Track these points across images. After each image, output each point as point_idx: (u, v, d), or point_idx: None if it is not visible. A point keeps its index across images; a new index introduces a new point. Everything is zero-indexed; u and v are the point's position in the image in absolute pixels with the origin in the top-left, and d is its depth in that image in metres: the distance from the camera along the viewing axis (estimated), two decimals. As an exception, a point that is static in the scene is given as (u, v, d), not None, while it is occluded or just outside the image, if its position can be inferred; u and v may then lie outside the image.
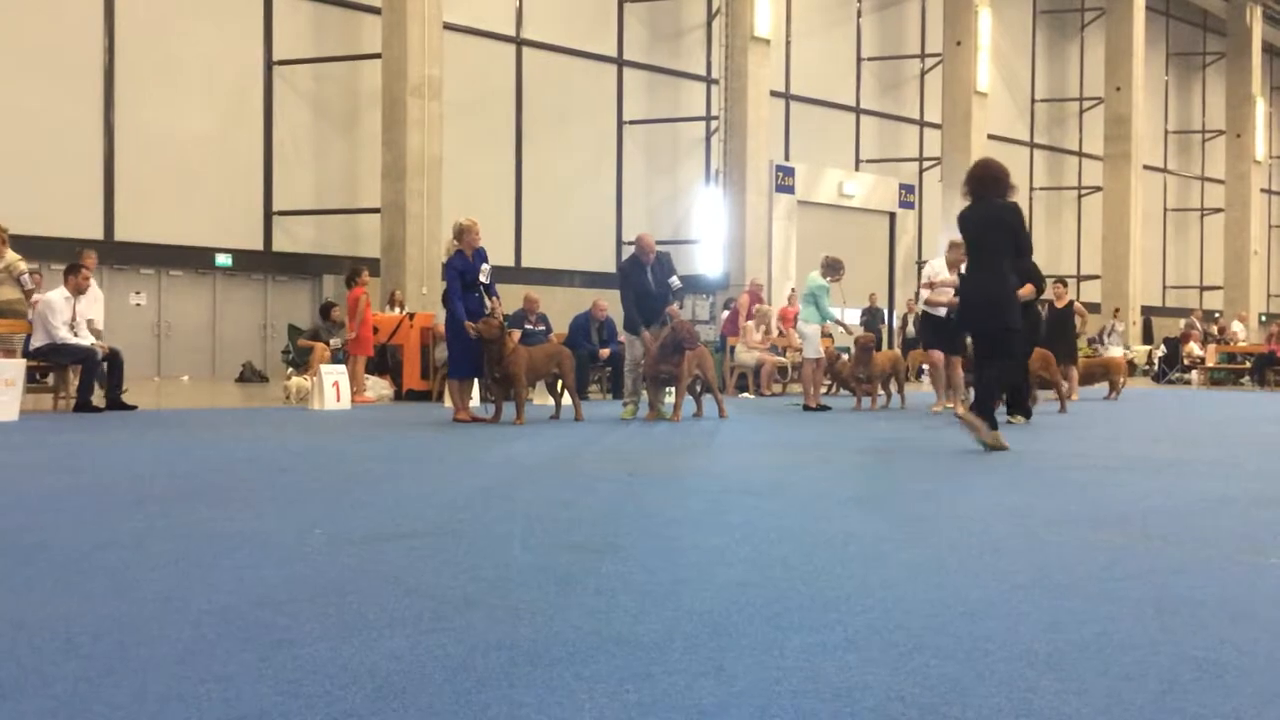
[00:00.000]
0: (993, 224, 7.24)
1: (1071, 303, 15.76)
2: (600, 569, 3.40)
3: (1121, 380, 15.99)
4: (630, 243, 24.82)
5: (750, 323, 16.75)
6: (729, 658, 2.41)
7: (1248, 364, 21.61)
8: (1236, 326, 27.02)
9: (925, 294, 11.43)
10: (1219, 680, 2.27)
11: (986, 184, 7.33)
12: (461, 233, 9.76)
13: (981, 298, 7.30)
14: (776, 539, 3.96)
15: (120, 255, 19.07)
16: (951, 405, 11.32)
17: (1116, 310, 27.65)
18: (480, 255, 9.80)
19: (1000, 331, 7.34)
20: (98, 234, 18.76)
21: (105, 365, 11.01)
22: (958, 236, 12.15)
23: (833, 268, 12.77)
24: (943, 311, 11.36)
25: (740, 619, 2.76)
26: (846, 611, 2.84)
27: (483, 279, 9.72)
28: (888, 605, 2.92)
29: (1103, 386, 16.15)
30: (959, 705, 2.11)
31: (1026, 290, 9.65)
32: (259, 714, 2.04)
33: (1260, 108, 37.74)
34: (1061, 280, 16.93)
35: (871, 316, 23.53)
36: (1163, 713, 2.08)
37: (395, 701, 2.12)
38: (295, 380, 12.67)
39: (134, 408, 10.90)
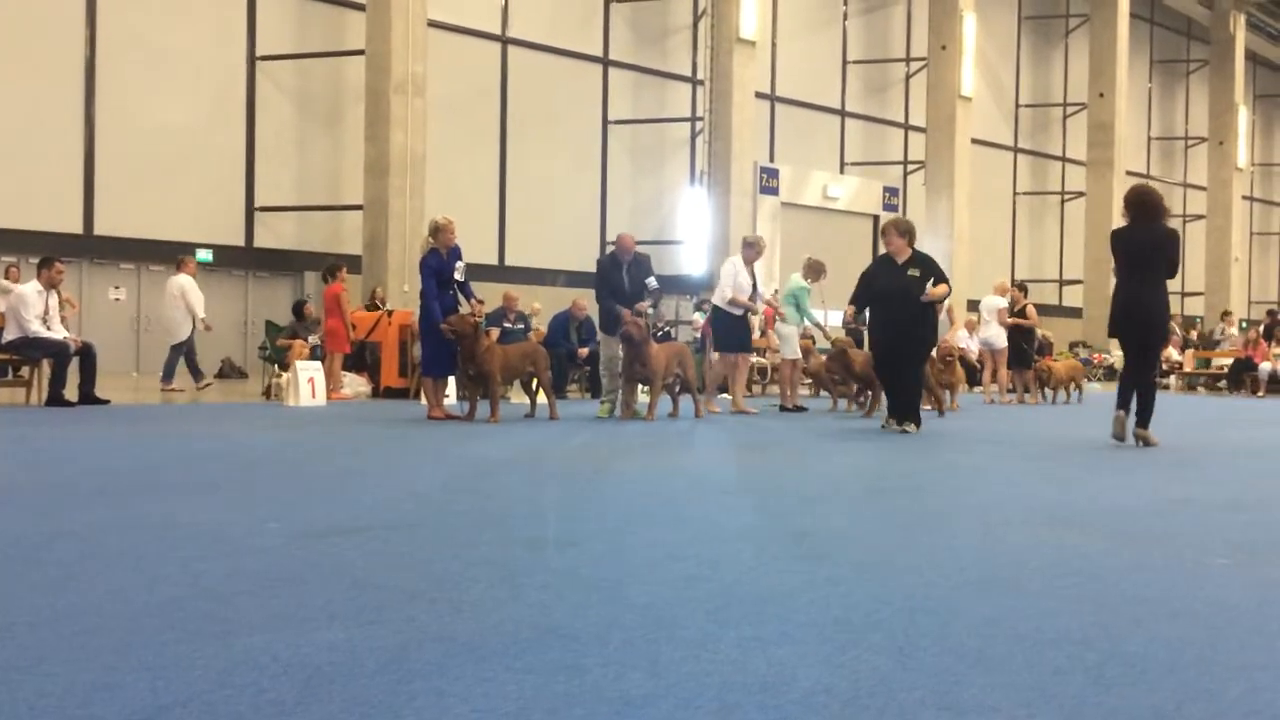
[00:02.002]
0: (1155, 246, 7.88)
1: (1024, 308, 15.86)
2: (550, 564, 3.41)
3: (1073, 385, 16.02)
4: (614, 243, 24.88)
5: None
6: (664, 651, 2.43)
7: (1225, 369, 21.74)
8: (1231, 331, 27.14)
9: (729, 295, 11.50)
10: (1144, 676, 2.29)
11: (1148, 209, 7.99)
12: (437, 231, 9.75)
13: (1139, 312, 7.92)
14: (731, 536, 3.97)
15: (100, 250, 18.98)
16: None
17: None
18: (455, 254, 9.79)
19: (1154, 342, 8.16)
20: (77, 228, 18.69)
21: (80, 359, 10.98)
22: (757, 236, 12.27)
23: (814, 270, 12.82)
24: (739, 311, 11.66)
25: (681, 613, 2.77)
26: (788, 607, 2.86)
27: (458, 277, 9.72)
28: (830, 601, 2.94)
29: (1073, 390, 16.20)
30: (883, 697, 2.13)
31: (938, 290, 9.31)
32: (184, 703, 2.04)
33: (1243, 115, 37.97)
34: (1020, 286, 17.03)
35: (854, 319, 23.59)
36: (1084, 706, 2.10)
37: (323, 691, 2.12)
38: (287, 376, 12.61)
39: (107, 402, 10.86)
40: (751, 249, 11.88)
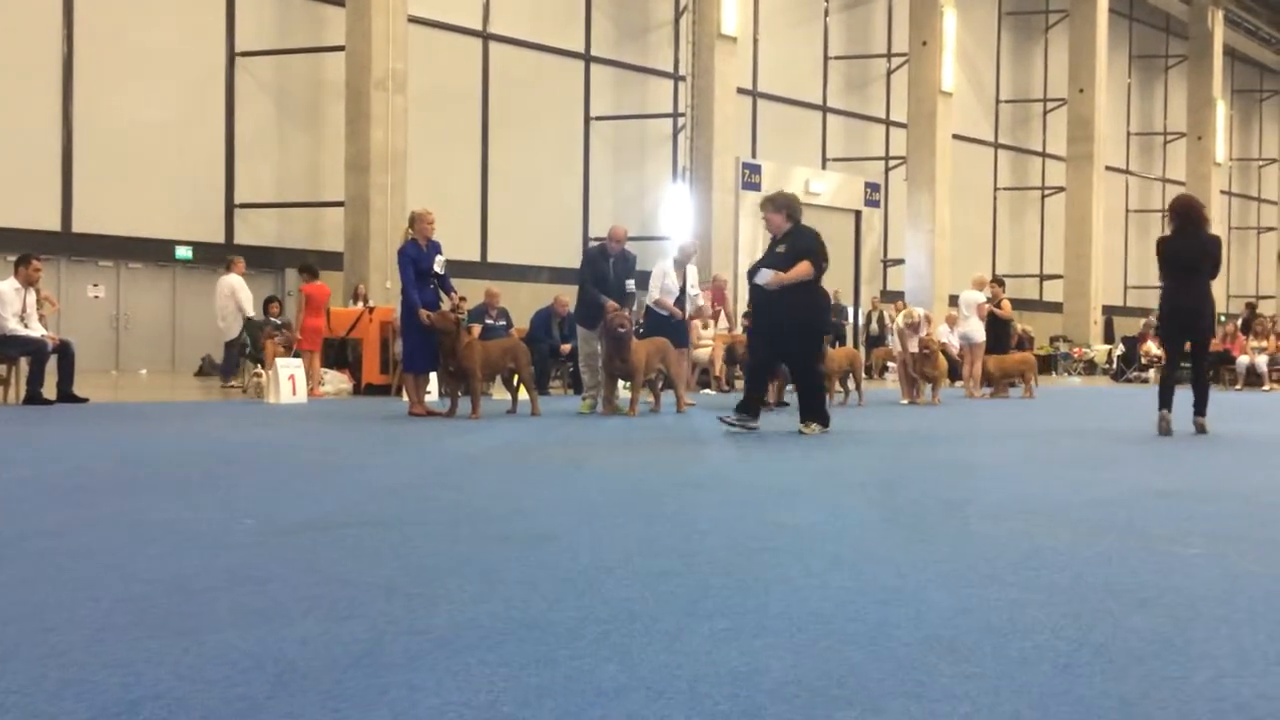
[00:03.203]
0: (1202, 252, 8.59)
1: (1000, 301, 16.12)
2: (527, 558, 3.41)
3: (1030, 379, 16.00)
4: (598, 238, 24.88)
5: (695, 321, 16.80)
6: (637, 644, 2.44)
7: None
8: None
9: (655, 296, 11.70)
10: (1112, 665, 2.31)
11: (1192, 218, 8.69)
12: (414, 220, 9.77)
13: (1185, 315, 8.70)
14: (708, 530, 3.98)
15: (78, 247, 18.87)
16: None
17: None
18: (434, 247, 9.78)
19: (1202, 337, 8.91)
20: (55, 225, 18.57)
21: (58, 357, 10.92)
22: (688, 242, 12.33)
23: None
24: (666, 311, 11.74)
25: (656, 607, 2.78)
26: (763, 599, 2.87)
27: (437, 269, 9.71)
28: (804, 593, 2.95)
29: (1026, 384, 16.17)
30: (853, 687, 2.14)
31: (803, 268, 8.02)
32: (154, 697, 2.04)
33: (1221, 110, 38.24)
34: (999, 280, 17.28)
35: (836, 314, 23.69)
36: (1051, 695, 2.12)
37: (295, 686, 2.12)
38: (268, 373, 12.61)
39: (85, 400, 10.80)
40: (682, 252, 11.99)
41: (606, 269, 10.57)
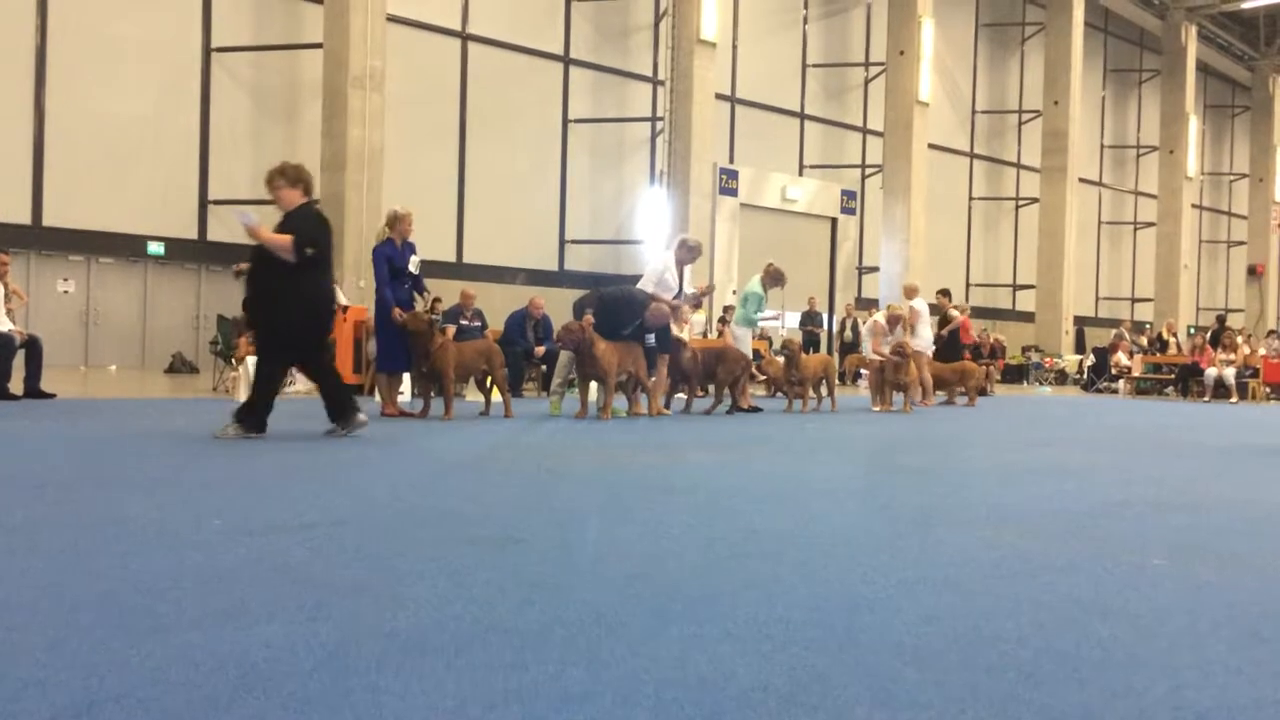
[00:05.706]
0: None
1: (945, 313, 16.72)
2: (496, 562, 3.40)
3: (974, 385, 16.11)
4: (573, 240, 24.88)
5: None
6: (604, 648, 2.44)
7: (1173, 374, 22.13)
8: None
9: (650, 291, 11.36)
10: (1075, 674, 2.34)
11: None
12: (395, 221, 9.72)
13: None
14: (678, 534, 3.99)
15: (48, 241, 18.67)
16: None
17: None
18: (409, 248, 9.75)
19: None
20: (25, 219, 18.36)
21: (25, 352, 10.79)
22: (696, 241, 12.09)
23: (775, 279, 12.83)
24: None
25: (625, 611, 2.78)
26: (731, 605, 2.88)
27: (411, 269, 9.67)
28: (773, 600, 2.96)
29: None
30: (818, 694, 2.15)
31: (283, 239, 6.99)
32: (116, 698, 2.02)
33: (1193, 125, 38.67)
34: (945, 292, 17.72)
35: (810, 320, 23.79)
36: (1014, 703, 2.13)
37: (259, 688, 2.11)
38: (238, 371, 12.51)
39: (53, 396, 10.68)
40: (689, 252, 11.41)
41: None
